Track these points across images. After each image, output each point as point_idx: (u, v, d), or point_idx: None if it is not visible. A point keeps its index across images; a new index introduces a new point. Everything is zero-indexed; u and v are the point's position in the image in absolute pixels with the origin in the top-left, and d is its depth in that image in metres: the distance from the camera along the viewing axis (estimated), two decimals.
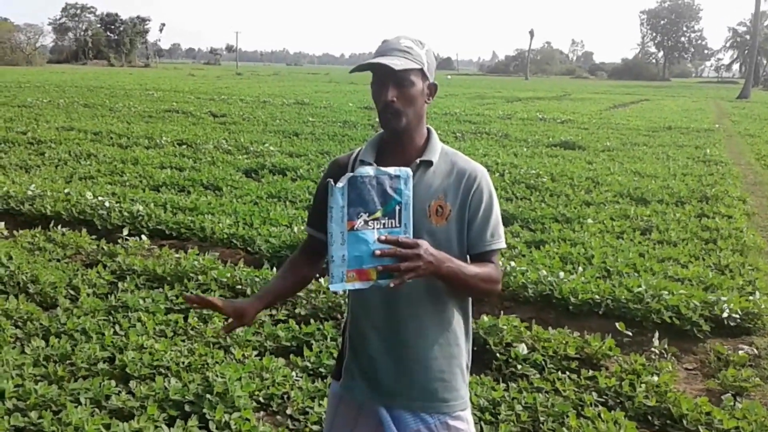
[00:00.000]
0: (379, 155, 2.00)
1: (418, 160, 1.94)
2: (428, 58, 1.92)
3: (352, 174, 1.72)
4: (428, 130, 2.01)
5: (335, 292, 1.77)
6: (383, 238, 1.71)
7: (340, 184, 1.71)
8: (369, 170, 1.74)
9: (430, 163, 1.95)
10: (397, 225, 1.76)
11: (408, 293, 1.90)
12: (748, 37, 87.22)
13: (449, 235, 1.93)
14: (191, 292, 5.09)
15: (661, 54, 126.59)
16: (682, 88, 64.77)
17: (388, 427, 1.98)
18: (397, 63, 1.83)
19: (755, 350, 4.51)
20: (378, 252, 1.71)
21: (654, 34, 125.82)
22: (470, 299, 2.09)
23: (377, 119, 1.97)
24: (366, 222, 1.73)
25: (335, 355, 4.19)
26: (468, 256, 1.98)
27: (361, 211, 1.72)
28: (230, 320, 1.99)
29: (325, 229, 2.02)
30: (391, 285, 1.72)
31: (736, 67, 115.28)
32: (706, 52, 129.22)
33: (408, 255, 1.71)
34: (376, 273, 1.72)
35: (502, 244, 2.01)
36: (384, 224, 1.74)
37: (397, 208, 1.75)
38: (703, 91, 60.25)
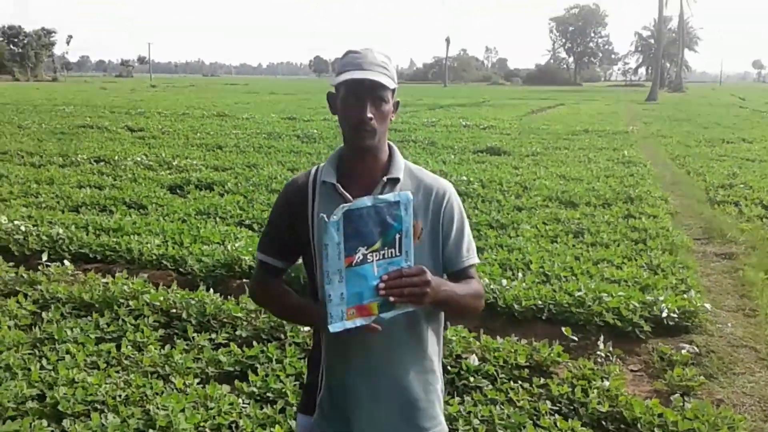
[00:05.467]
0: (340, 174, 1.89)
1: (384, 178, 1.86)
2: (395, 73, 1.86)
3: (348, 207, 1.60)
4: (390, 146, 1.93)
5: (335, 333, 1.72)
6: (385, 277, 1.61)
7: (334, 218, 1.58)
8: (366, 201, 1.62)
9: (396, 181, 1.87)
10: (398, 254, 1.65)
11: (384, 322, 1.80)
12: (653, 41, 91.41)
13: (423, 254, 1.85)
14: (122, 319, 4.81)
15: (571, 59, 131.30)
16: (593, 92, 67.22)
17: None
18: (385, 81, 1.77)
19: (696, 348, 4.61)
20: (382, 285, 1.60)
21: (564, 41, 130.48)
22: (442, 323, 2.02)
23: (347, 135, 1.85)
24: (365, 256, 1.60)
25: (282, 378, 4.03)
26: (445, 275, 1.91)
27: (359, 245, 1.60)
28: None
29: (281, 255, 1.95)
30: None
31: (642, 70, 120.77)
32: (613, 56, 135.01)
33: (415, 282, 1.63)
34: (377, 307, 1.63)
35: (477, 258, 1.99)
36: (383, 255, 1.63)
37: (398, 236, 1.64)
38: (613, 94, 62.73)
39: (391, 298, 1.62)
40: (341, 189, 1.84)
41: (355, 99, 1.78)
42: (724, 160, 14.44)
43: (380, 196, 1.65)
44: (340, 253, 1.58)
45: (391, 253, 1.64)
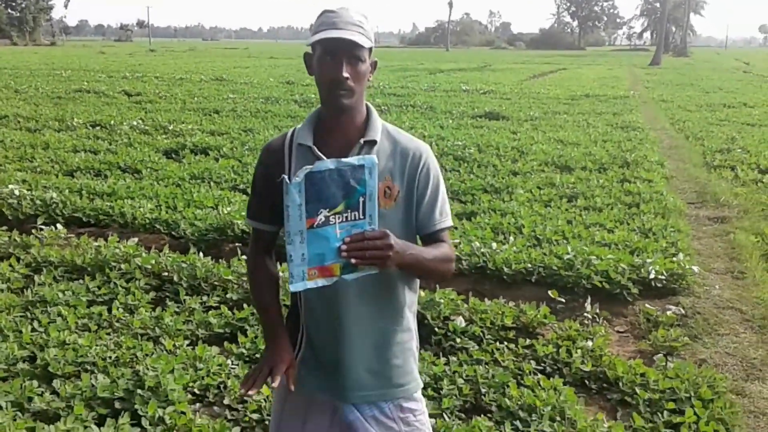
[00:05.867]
0: (317, 136, 1.88)
1: (361, 140, 1.85)
2: (372, 33, 1.84)
3: (309, 169, 1.60)
4: (367, 107, 1.92)
5: (296, 293, 1.76)
6: (348, 239, 1.62)
7: (296, 179, 1.58)
8: (329, 163, 1.62)
9: (373, 143, 1.85)
10: (362, 217, 1.66)
11: (361, 282, 1.80)
12: (658, 5, 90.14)
13: (397, 217, 1.86)
14: (114, 282, 4.85)
15: (575, 23, 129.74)
16: (597, 57, 66.55)
17: (346, 416, 1.94)
18: (361, 40, 1.74)
19: (682, 310, 4.65)
20: (344, 247, 1.62)
21: (568, 5, 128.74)
22: (418, 283, 2.04)
23: (323, 95, 1.83)
24: (327, 218, 1.61)
25: None
26: (418, 237, 1.92)
27: (321, 207, 1.60)
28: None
29: (269, 220, 1.94)
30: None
31: (647, 35, 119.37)
32: (618, 21, 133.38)
33: (378, 246, 1.63)
34: (340, 268, 1.64)
35: (451, 222, 1.99)
36: (347, 217, 1.64)
37: (361, 199, 1.64)
38: (617, 59, 62.07)
39: (353, 260, 1.63)
40: (317, 151, 1.83)
41: (331, 58, 1.76)
42: (724, 124, 14.36)
43: (344, 159, 1.64)
44: (301, 215, 1.59)
45: (355, 215, 1.64)
